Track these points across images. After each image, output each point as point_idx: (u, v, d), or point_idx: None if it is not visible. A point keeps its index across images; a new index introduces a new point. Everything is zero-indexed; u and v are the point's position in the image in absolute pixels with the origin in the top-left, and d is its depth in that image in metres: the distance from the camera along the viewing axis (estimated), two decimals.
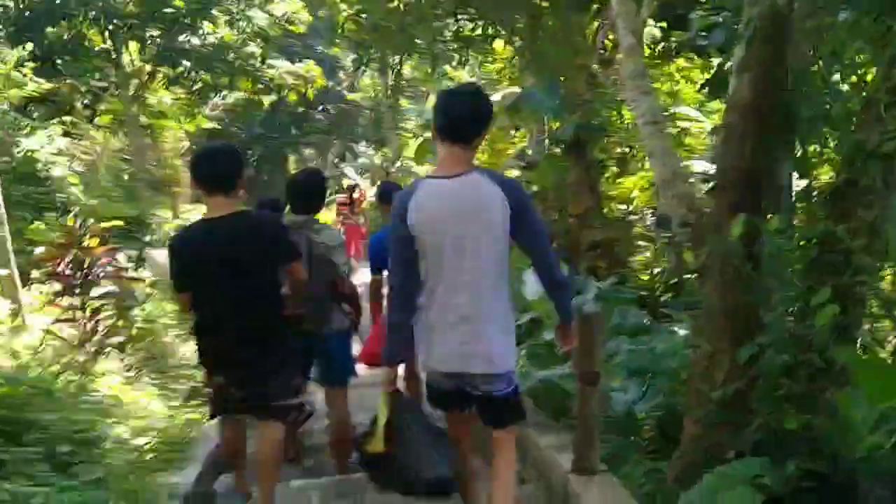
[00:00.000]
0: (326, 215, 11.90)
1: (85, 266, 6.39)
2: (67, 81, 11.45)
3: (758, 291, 3.21)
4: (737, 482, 2.77)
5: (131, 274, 7.81)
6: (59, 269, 6.35)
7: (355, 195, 14.45)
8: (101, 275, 6.56)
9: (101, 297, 6.52)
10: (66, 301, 6.43)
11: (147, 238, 10.17)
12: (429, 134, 18.68)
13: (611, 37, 9.11)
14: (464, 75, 19.62)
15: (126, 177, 12.05)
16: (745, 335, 3.24)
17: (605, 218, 8.69)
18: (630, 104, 5.64)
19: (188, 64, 10.91)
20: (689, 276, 6.42)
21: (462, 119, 2.61)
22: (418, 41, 22.00)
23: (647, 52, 8.47)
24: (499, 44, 15.11)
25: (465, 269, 2.60)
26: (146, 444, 5.12)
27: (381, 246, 3.80)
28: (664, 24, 8.68)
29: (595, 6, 8.79)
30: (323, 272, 3.89)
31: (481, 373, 2.68)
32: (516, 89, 13.93)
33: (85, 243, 6.49)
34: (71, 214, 7.88)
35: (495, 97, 13.96)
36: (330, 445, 4.52)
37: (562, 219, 8.84)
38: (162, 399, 6.31)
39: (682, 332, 5.42)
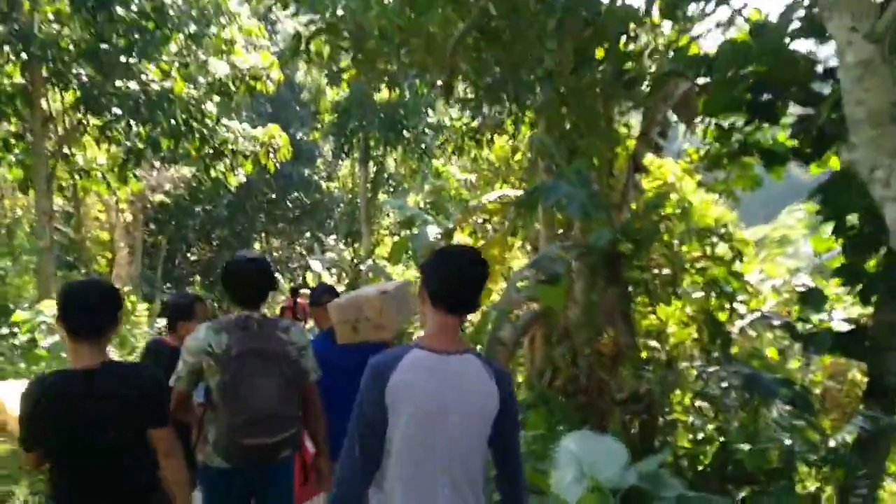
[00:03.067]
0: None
1: None
2: None
3: None
4: None
5: None
6: None
7: (299, 299, 13.31)
8: None
9: None
10: None
11: None
12: (406, 232, 16.83)
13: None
14: (453, 171, 17.81)
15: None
16: None
17: (641, 360, 6.34)
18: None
19: (119, 112, 8.65)
20: None
21: (466, 290, 2.31)
22: (406, 134, 20.55)
23: None
24: (499, 138, 13.35)
25: (447, 468, 2.22)
26: None
27: (318, 358, 3.45)
28: None
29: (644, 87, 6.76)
30: (296, 386, 3.28)
31: None
32: (510, 191, 12.01)
33: None
34: None
35: (490, 196, 12.05)
36: None
37: (580, 357, 6.46)
38: None
39: None
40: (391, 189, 21.10)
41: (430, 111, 19.56)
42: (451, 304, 2.30)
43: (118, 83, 9.05)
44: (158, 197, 17.18)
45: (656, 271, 7.25)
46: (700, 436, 6.77)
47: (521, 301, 5.92)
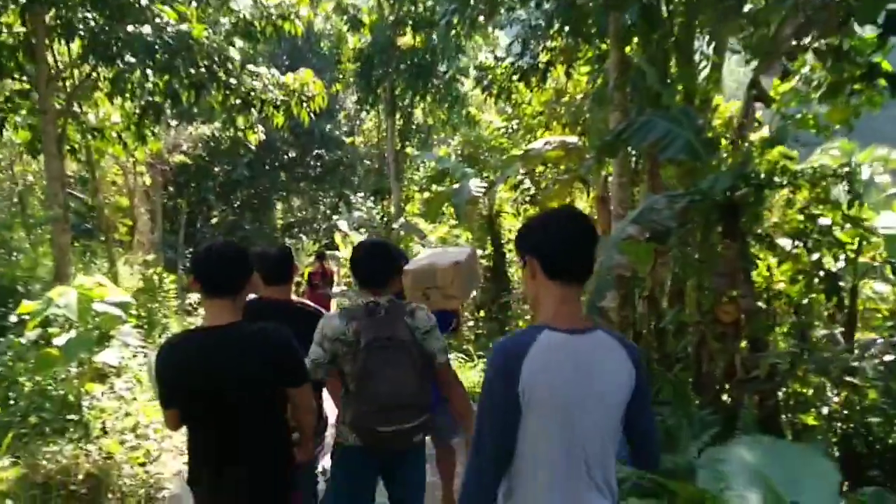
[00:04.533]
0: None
1: None
2: None
3: None
4: None
5: None
6: None
7: (325, 263, 13.24)
8: None
9: None
10: None
11: None
12: (440, 187, 15.73)
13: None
14: (491, 119, 16.62)
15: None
16: None
17: (768, 327, 5.34)
18: None
19: (132, 61, 7.54)
20: None
21: (583, 253, 2.08)
22: (435, 81, 19.29)
23: None
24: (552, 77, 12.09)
25: (590, 465, 2.00)
26: None
27: None
28: None
29: None
30: (427, 371, 3.24)
31: None
32: (567, 138, 10.89)
33: None
34: None
35: (541, 143, 10.95)
36: None
37: (690, 326, 5.46)
38: None
39: None
40: (420, 141, 19.93)
41: (461, 56, 18.29)
42: (571, 271, 2.07)
43: (130, 29, 7.97)
44: (178, 157, 16.23)
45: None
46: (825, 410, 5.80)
47: (627, 265, 4.91)
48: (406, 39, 19.13)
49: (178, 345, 2.82)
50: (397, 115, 20.17)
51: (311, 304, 3.89)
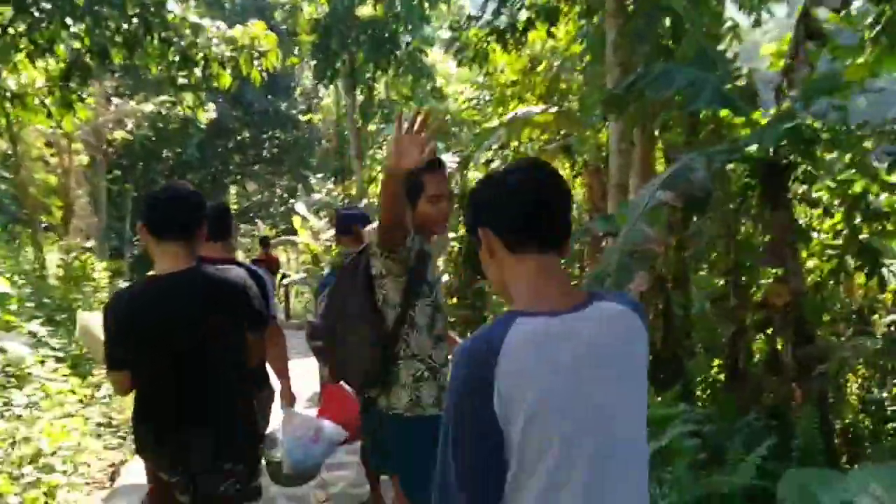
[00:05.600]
0: None
1: None
2: None
3: None
4: None
5: None
6: None
7: (270, 251, 12.97)
8: None
9: None
10: None
11: None
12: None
13: None
14: (461, 90, 15.60)
15: None
16: None
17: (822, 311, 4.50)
18: None
19: (48, 6, 6.27)
20: None
21: (556, 211, 1.56)
22: (398, 53, 18.19)
23: None
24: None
25: (617, 469, 1.45)
26: None
27: None
28: None
29: None
30: None
31: None
32: (536, 108, 9.99)
33: None
34: None
35: (518, 112, 10.04)
36: None
37: (736, 312, 4.58)
38: None
39: None
40: (383, 118, 18.83)
41: (425, 26, 17.24)
42: (542, 235, 1.53)
43: None
44: (119, 134, 14.84)
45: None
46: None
47: (657, 239, 4.00)
48: (366, 10, 18.01)
49: (128, 296, 2.65)
50: (358, 91, 19.04)
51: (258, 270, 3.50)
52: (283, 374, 3.31)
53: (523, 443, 1.40)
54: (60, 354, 5.54)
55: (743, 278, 4.64)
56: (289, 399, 3.36)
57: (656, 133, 7.42)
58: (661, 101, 5.77)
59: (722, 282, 5.08)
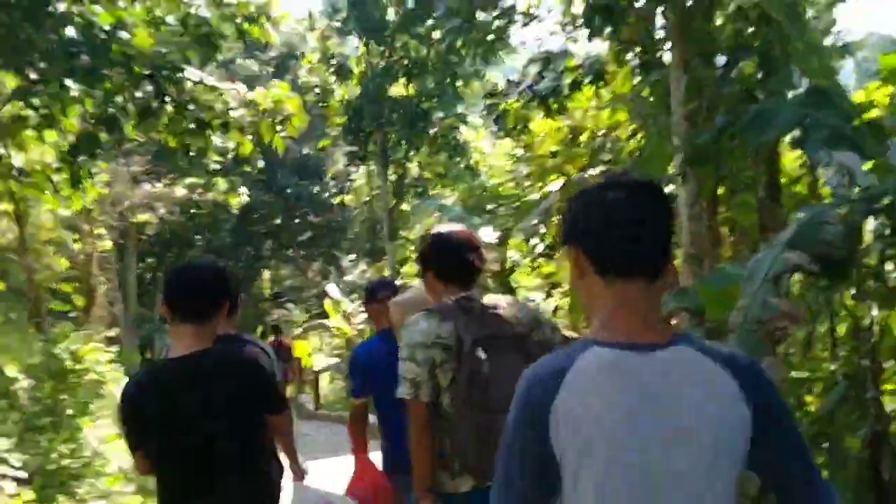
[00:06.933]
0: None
1: None
2: None
3: None
4: None
5: None
6: None
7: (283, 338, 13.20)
8: None
9: None
10: None
11: None
12: None
13: None
14: (496, 163, 14.93)
15: None
16: None
17: None
18: None
19: (43, 65, 5.62)
20: None
21: (648, 232, 1.43)
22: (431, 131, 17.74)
23: None
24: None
25: None
26: None
27: (370, 360, 3.47)
28: None
29: None
30: None
31: None
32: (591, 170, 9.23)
33: None
34: None
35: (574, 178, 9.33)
36: None
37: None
38: None
39: None
40: (416, 196, 18.31)
41: (458, 103, 16.84)
42: (628, 260, 1.42)
43: (51, 36, 6.18)
44: (145, 217, 14.38)
45: None
46: None
47: (792, 313, 3.02)
48: (398, 89, 17.72)
49: (145, 381, 2.69)
50: (390, 170, 18.56)
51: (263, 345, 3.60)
52: (290, 449, 3.31)
53: (579, 480, 1.37)
54: (22, 475, 4.52)
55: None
56: (298, 474, 3.42)
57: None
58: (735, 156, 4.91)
59: None
